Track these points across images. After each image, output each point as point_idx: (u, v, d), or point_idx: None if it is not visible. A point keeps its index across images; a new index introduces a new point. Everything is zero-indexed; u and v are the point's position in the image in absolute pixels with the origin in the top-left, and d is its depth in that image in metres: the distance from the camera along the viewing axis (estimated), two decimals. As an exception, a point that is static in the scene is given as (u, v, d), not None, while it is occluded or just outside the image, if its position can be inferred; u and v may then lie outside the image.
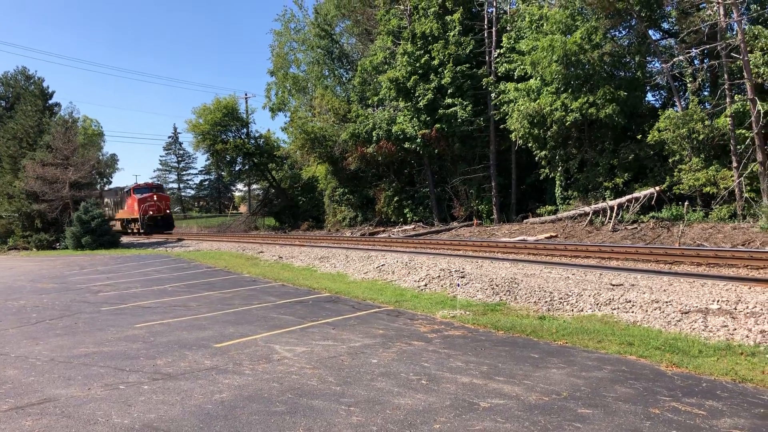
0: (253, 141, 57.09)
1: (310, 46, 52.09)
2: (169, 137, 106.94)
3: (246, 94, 64.64)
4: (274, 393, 6.77)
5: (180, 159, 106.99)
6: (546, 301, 11.58)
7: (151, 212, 50.25)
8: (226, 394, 6.79)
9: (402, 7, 38.39)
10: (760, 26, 22.86)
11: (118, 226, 53.13)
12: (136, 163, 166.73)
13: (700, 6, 25.33)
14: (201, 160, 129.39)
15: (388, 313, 11.67)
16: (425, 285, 14.48)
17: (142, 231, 49.88)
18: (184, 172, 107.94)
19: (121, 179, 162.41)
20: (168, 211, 51.86)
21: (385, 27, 39.25)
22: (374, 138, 37.33)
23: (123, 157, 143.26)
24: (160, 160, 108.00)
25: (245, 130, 57.33)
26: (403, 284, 15.04)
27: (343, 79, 51.04)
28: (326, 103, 44.28)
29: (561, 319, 10.20)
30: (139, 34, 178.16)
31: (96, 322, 11.73)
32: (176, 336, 10.19)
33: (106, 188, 63.51)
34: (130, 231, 53.01)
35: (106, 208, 53.64)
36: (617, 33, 29.32)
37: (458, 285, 13.78)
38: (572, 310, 10.88)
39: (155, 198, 50.65)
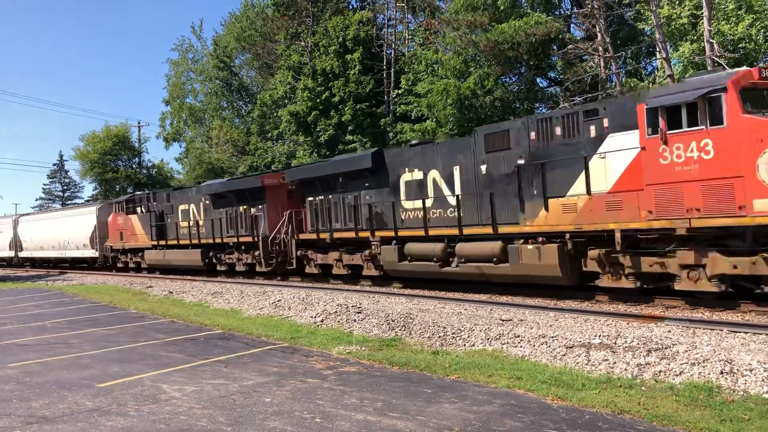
0: (145, 171, 55.28)
1: (208, 77, 51.46)
2: (54, 165, 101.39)
3: (139, 123, 62.67)
4: (160, 435, 6.49)
5: (66, 188, 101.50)
6: (440, 336, 11.79)
7: None
8: (108, 437, 6.43)
9: (303, 43, 38.74)
10: (635, 78, 24.79)
11: None
12: (15, 192, 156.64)
13: (583, 58, 27.18)
14: (89, 189, 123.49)
15: (283, 350, 11.49)
16: (322, 321, 14.39)
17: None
18: (70, 202, 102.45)
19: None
20: None
21: (286, 62, 39.43)
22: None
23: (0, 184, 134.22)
24: (44, 189, 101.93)
25: (137, 159, 55.44)
26: (300, 320, 14.87)
27: (242, 111, 50.63)
28: (224, 134, 43.71)
29: (454, 354, 10.41)
30: (20, 56, 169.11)
31: (-37, 362, 10.83)
32: (55, 375, 9.57)
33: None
34: (5, 263, 49.38)
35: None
36: (508, 80, 30.85)
37: (354, 321, 13.79)
38: (464, 345, 11.13)
39: None
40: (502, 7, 27.86)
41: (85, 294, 24.46)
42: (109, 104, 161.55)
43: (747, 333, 10.34)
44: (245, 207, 25.72)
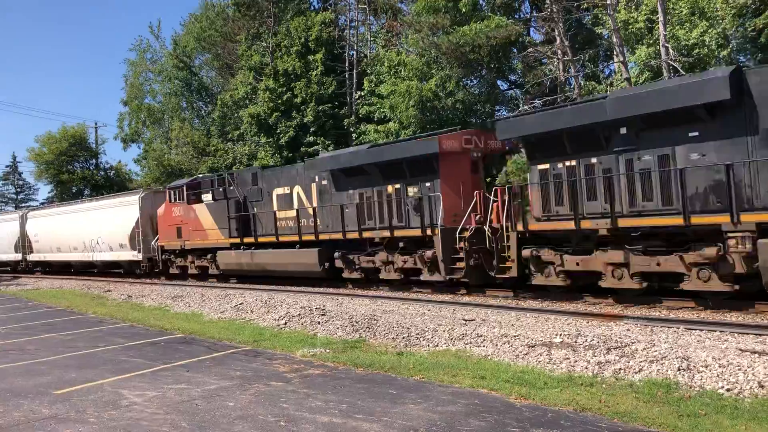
0: (102, 172, 54.15)
1: (167, 78, 50.68)
2: (7, 166, 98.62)
3: (96, 124, 61.24)
4: (121, 442, 6.37)
5: (19, 190, 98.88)
6: (404, 337, 11.82)
7: None
8: (66, 445, 6.29)
9: (264, 44, 38.45)
10: (593, 82, 25.26)
11: None
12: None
13: (543, 61, 27.58)
14: (44, 191, 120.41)
15: (246, 353, 11.39)
16: (285, 323, 14.30)
17: None
18: (24, 205, 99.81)
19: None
20: None
21: (247, 62, 39.07)
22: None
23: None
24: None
25: (94, 160, 54.31)
26: (263, 323, 14.76)
27: (203, 112, 50.00)
28: (184, 135, 43.09)
29: (418, 355, 10.45)
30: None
31: None
32: (9, 383, 9.32)
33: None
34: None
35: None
36: (469, 82, 31.09)
37: (318, 323, 13.74)
38: (428, 346, 11.18)
39: None
40: (463, 10, 28.05)
41: (40, 299, 23.87)
42: (65, 105, 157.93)
43: (702, 330, 10.63)
44: (399, 185, 18.48)
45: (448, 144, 17.30)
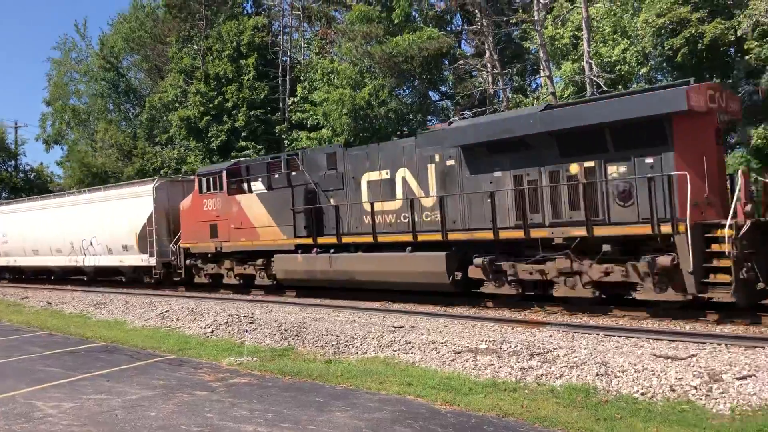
0: (22, 174, 51.86)
1: (93, 78, 49.13)
2: None
3: (16, 123, 58.57)
4: (34, 455, 6.12)
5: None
6: (333, 345, 11.81)
7: None
8: (-26, 460, 6.00)
9: (195, 47, 37.80)
10: (521, 95, 26.00)
11: None
12: None
13: (473, 73, 28.22)
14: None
15: (170, 362, 11.13)
16: (212, 331, 14.05)
17: None
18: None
19: None
20: None
21: (177, 65, 38.33)
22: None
23: None
24: None
25: (13, 162, 51.96)
26: (189, 331, 14.45)
27: (130, 114, 48.66)
28: (110, 137, 41.83)
29: (347, 362, 10.46)
30: None
31: None
32: None
33: None
34: None
35: None
36: (402, 92, 31.47)
37: (246, 331, 13.56)
38: (357, 353, 11.21)
39: None
40: (396, 21, 28.44)
41: (-51, 306, 22.61)
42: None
43: (621, 337, 11.03)
44: (592, 163, 12.85)
45: (695, 100, 11.64)
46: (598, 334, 11.23)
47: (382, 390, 8.60)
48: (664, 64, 23.38)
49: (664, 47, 21.80)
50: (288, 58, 36.16)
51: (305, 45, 37.39)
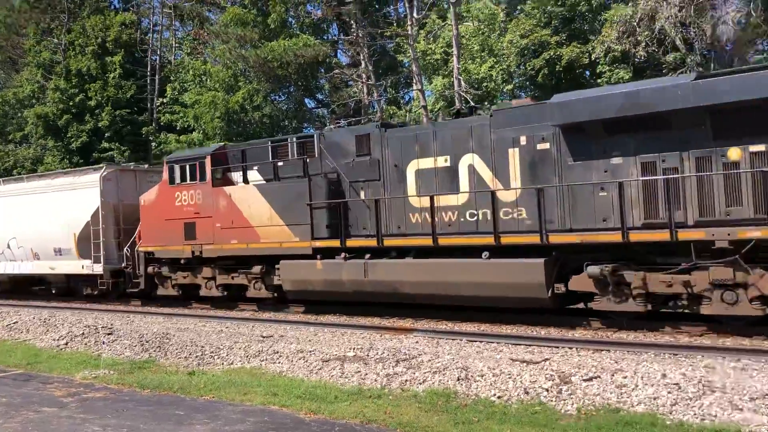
0: None
1: (-65, 68, 44.76)
2: None
3: None
4: None
5: None
6: (197, 356, 11.45)
7: None
8: None
9: (56, 40, 35.53)
10: (394, 107, 26.60)
11: None
12: None
13: (349, 83, 28.51)
14: None
15: (16, 377, 10.35)
16: (66, 344, 13.21)
17: None
18: None
19: None
20: None
21: (35, 59, 35.87)
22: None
23: None
24: None
25: None
26: (40, 343, 13.51)
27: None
28: (-46, 134, 38.31)
29: (211, 374, 10.18)
30: None
31: None
32: None
33: None
34: None
35: None
36: (277, 98, 31.20)
37: (104, 343, 12.86)
38: (223, 364, 10.94)
39: None
40: (272, 26, 28.18)
41: None
42: None
43: (482, 342, 11.47)
44: (763, 147, 10.15)
45: None
46: (461, 340, 11.60)
47: (246, 401, 8.44)
48: (527, 83, 24.78)
49: (527, 67, 23.10)
50: (158, 57, 34.84)
51: (176, 44, 36.18)
